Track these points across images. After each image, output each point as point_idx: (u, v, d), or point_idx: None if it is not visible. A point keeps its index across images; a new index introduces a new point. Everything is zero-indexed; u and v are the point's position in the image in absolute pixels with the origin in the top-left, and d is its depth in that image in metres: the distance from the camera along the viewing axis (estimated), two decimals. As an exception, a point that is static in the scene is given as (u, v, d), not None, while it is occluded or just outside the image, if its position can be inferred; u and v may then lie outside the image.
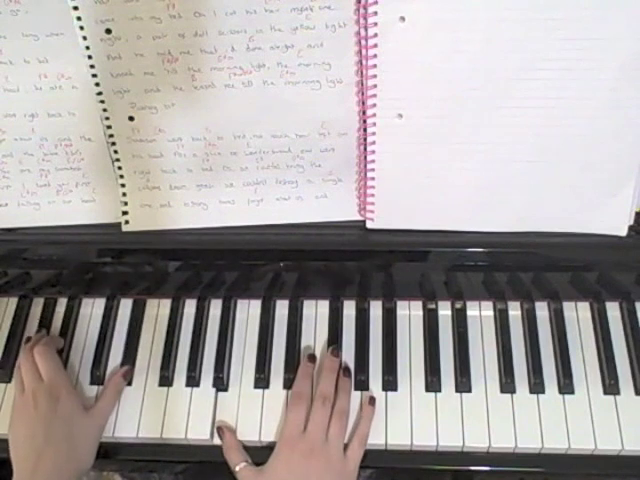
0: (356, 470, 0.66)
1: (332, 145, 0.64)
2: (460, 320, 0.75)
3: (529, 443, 0.67)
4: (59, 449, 0.64)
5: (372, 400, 0.69)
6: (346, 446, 0.66)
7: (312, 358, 0.72)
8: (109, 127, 0.64)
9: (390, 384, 0.71)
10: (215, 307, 0.78)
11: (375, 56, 0.58)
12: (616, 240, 0.64)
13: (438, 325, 0.74)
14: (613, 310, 0.75)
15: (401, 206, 0.66)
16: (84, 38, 0.59)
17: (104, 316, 0.78)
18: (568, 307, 0.75)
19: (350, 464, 0.65)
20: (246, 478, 0.65)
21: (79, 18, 0.58)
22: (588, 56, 0.56)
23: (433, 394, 0.70)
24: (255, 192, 0.68)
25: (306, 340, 0.75)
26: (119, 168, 0.66)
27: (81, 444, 0.67)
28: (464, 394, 0.70)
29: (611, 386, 0.69)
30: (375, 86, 0.59)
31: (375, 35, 0.57)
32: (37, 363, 0.70)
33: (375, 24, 0.56)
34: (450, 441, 0.68)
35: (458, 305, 0.75)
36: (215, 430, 0.69)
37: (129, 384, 0.73)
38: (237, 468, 0.66)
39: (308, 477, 0.63)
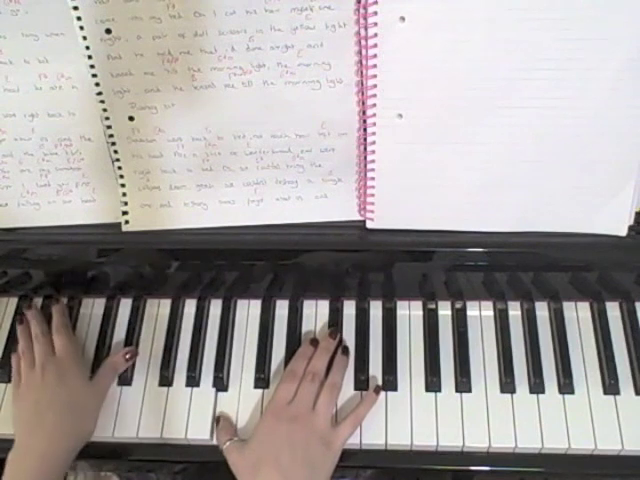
0: (341, 447, 0.65)
1: (332, 145, 0.64)
2: (460, 320, 0.75)
3: (529, 443, 0.67)
4: (62, 412, 0.66)
5: (377, 389, 0.69)
6: (338, 422, 0.67)
7: (314, 342, 0.72)
8: (109, 127, 0.64)
9: (390, 384, 0.71)
10: (215, 307, 0.78)
11: (375, 56, 0.58)
12: (616, 240, 0.65)
13: (438, 325, 0.74)
14: (613, 310, 0.75)
15: (401, 206, 0.66)
16: (84, 38, 0.59)
17: (104, 316, 0.78)
18: (568, 307, 0.75)
19: (337, 437, 0.65)
20: (232, 454, 0.65)
21: (79, 18, 0.58)
22: (588, 56, 0.56)
23: (433, 394, 0.70)
24: (255, 192, 0.68)
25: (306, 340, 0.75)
26: (119, 168, 0.66)
27: (84, 412, 0.68)
28: (464, 394, 0.70)
29: (611, 386, 0.69)
30: (375, 86, 0.59)
31: (375, 35, 0.57)
32: (54, 337, 0.72)
33: (375, 24, 0.56)
34: (450, 441, 0.68)
35: (458, 305, 0.75)
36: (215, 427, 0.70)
37: (129, 384, 0.73)
38: (224, 446, 0.66)
39: (292, 443, 0.63)
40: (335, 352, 0.72)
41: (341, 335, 0.74)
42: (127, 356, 0.73)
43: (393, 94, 0.60)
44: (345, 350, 0.72)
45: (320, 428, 0.65)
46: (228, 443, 0.66)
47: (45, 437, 0.64)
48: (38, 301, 0.80)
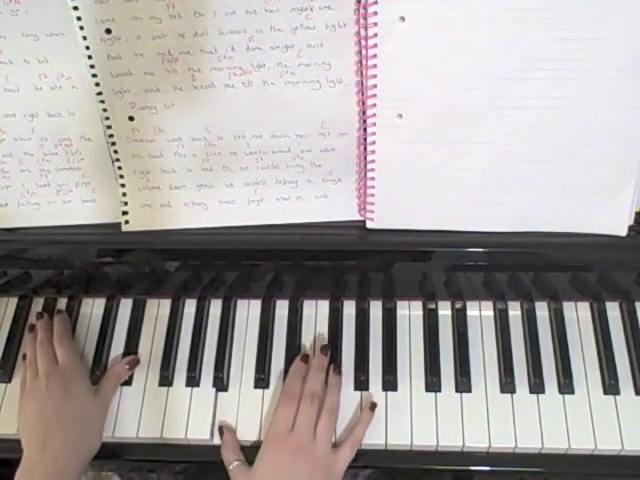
0: (343, 470, 0.65)
1: (332, 145, 0.64)
2: (460, 320, 0.75)
3: (529, 443, 0.67)
4: (70, 428, 0.66)
5: (373, 406, 0.69)
6: (337, 445, 0.67)
7: (305, 358, 0.72)
8: (109, 127, 0.64)
9: (390, 384, 0.71)
10: (215, 307, 0.78)
11: (375, 56, 0.58)
12: (616, 240, 0.64)
13: (438, 325, 0.74)
14: (613, 310, 0.75)
15: (401, 206, 0.66)
16: (84, 38, 0.59)
17: (104, 316, 0.78)
18: (568, 307, 0.75)
19: (338, 463, 0.65)
20: (237, 477, 0.65)
21: (79, 18, 0.58)
22: (588, 56, 0.56)
23: (433, 394, 0.70)
24: (255, 192, 0.68)
25: (306, 340, 0.75)
26: (119, 168, 0.66)
27: (90, 425, 0.68)
28: (464, 394, 0.70)
29: (611, 386, 0.69)
30: (375, 86, 0.59)
31: (375, 35, 0.57)
32: (56, 347, 0.72)
33: (375, 24, 0.56)
34: (450, 441, 0.68)
35: (458, 305, 0.75)
36: (216, 430, 0.70)
37: (129, 384, 0.73)
38: (230, 467, 0.66)
39: (296, 476, 0.63)
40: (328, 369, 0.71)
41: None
42: (128, 365, 0.73)
43: (393, 94, 0.60)
44: (337, 368, 0.71)
45: (322, 459, 0.64)
46: (235, 464, 0.66)
47: (52, 455, 0.64)
48: (38, 301, 0.80)
